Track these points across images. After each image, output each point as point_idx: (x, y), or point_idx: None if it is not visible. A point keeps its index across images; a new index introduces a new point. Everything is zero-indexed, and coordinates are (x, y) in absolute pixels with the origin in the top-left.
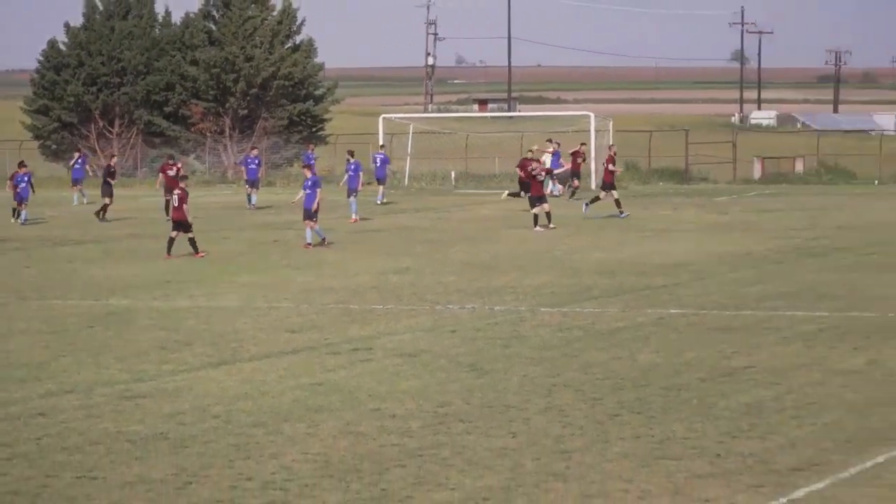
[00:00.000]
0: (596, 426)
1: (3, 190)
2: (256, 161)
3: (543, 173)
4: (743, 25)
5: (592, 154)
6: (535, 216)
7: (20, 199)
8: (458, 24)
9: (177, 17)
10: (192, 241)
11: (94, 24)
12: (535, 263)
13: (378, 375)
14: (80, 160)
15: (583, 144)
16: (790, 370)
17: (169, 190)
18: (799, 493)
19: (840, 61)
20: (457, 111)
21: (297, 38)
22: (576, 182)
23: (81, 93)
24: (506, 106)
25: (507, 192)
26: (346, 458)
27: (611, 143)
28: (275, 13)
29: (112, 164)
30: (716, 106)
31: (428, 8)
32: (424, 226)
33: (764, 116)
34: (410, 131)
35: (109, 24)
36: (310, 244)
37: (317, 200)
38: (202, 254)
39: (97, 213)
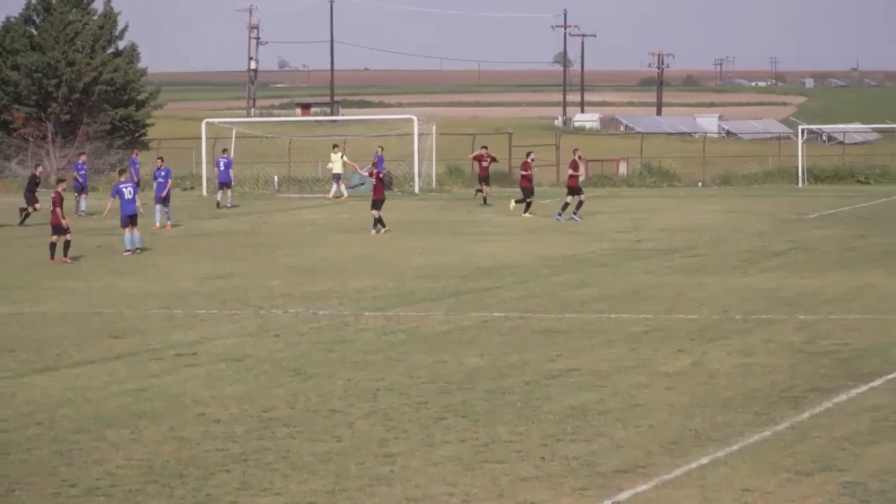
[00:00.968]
0: (421, 430)
1: None
2: (85, 167)
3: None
4: (566, 28)
5: (416, 157)
6: (376, 219)
7: None
8: (281, 28)
9: None
10: (66, 244)
11: None
12: (358, 267)
13: (202, 380)
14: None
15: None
16: (615, 373)
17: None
18: (624, 496)
19: (663, 64)
20: (279, 115)
21: (120, 44)
22: (486, 189)
23: None
24: (329, 110)
25: (513, 200)
26: (171, 464)
27: (577, 148)
28: (96, 18)
29: None
30: (539, 109)
31: (250, 12)
32: (248, 230)
33: (587, 119)
34: (233, 136)
35: None
36: (129, 250)
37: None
38: (60, 260)
39: None
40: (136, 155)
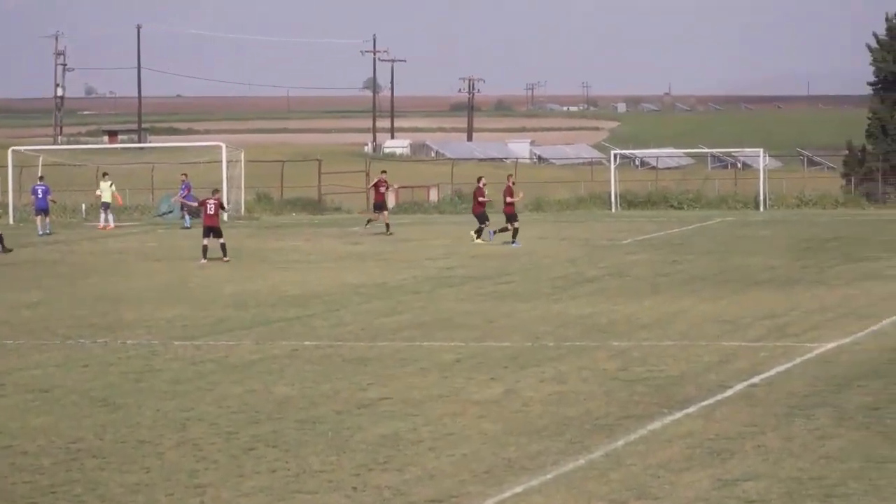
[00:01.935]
0: (231, 460)
1: None
2: None
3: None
4: (375, 53)
5: (225, 184)
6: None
7: None
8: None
9: None
10: None
11: None
12: (167, 296)
13: (9, 412)
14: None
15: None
16: (427, 401)
17: None
18: None
19: (473, 89)
20: (87, 143)
21: None
22: (377, 215)
23: None
24: (136, 137)
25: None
26: None
27: (511, 173)
28: None
29: None
30: (349, 135)
31: (56, 38)
32: (55, 259)
33: (397, 145)
34: (40, 163)
35: None
36: None
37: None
38: None
39: None
40: None
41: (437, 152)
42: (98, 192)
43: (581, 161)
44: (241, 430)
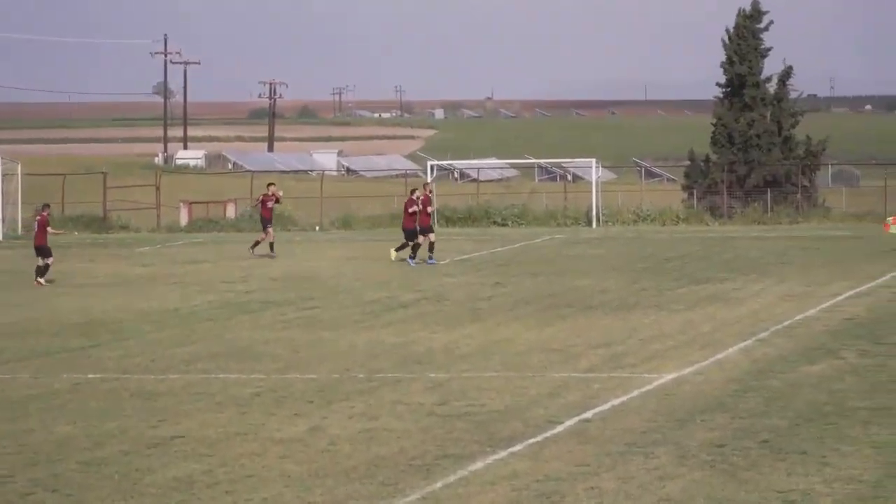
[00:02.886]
0: None
1: None
2: None
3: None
4: (166, 55)
5: None
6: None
7: None
8: None
9: None
10: None
11: None
12: None
13: None
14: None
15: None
16: (223, 440)
17: None
18: None
19: (275, 94)
20: None
21: None
22: (262, 235)
23: None
24: None
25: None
26: None
27: (428, 181)
28: None
29: None
30: (138, 145)
31: None
32: None
33: (191, 156)
34: None
35: None
36: None
37: None
38: None
39: None
40: None
41: (234, 164)
42: None
43: (394, 173)
44: (17, 473)
